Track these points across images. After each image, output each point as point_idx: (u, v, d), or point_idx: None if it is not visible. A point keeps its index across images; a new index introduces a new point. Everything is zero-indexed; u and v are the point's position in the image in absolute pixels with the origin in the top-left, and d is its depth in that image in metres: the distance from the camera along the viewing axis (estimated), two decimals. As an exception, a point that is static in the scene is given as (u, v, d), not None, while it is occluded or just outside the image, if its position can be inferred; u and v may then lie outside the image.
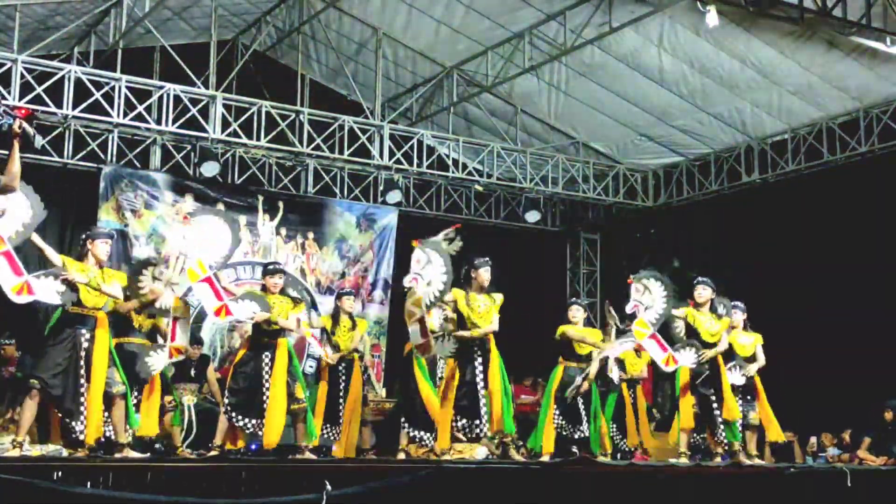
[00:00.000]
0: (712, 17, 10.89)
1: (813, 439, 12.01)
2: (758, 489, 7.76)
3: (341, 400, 9.22)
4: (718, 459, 8.80)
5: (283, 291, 8.37)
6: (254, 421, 7.91)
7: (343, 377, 9.27)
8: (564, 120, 14.89)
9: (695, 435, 9.20)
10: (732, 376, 8.86)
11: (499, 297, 8.30)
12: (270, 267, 8.60)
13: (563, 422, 9.20)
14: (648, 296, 8.63)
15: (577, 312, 9.55)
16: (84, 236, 7.32)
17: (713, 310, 8.90)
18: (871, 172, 12.65)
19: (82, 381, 6.89)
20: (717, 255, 14.22)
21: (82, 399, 6.89)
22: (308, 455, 8.04)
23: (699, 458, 9.21)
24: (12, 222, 6.47)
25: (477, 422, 7.98)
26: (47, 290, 6.58)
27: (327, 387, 9.18)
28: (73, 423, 6.87)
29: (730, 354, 8.96)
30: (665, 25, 11.99)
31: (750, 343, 9.20)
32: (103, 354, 7.04)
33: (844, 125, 12.97)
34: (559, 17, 12.30)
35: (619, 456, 10.03)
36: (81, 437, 6.92)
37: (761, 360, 9.19)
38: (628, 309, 8.77)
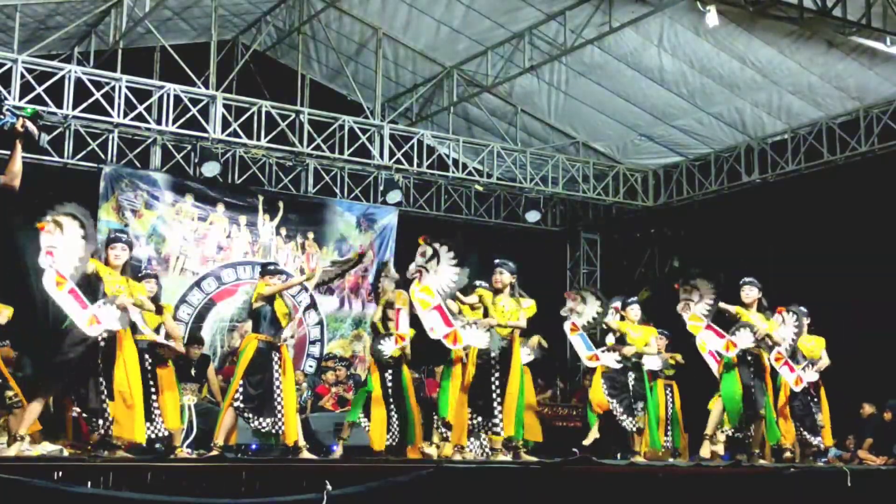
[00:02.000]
0: (712, 17, 10.90)
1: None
2: (758, 489, 7.76)
3: (393, 403, 9.18)
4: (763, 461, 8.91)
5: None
6: (268, 420, 7.91)
7: (391, 380, 9.20)
8: (564, 120, 14.89)
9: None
10: (806, 374, 9.15)
11: (527, 303, 8.50)
12: (271, 267, 8.58)
13: (620, 410, 9.31)
14: (697, 292, 8.90)
15: (637, 311, 9.70)
16: (106, 240, 7.30)
17: (760, 309, 9.01)
18: (871, 172, 12.65)
19: (101, 379, 6.91)
20: (716, 254, 14.21)
21: (104, 398, 6.91)
22: (305, 455, 8.05)
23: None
24: (69, 259, 6.62)
25: (494, 420, 8.01)
26: (111, 318, 6.77)
27: (381, 389, 9.16)
28: (98, 421, 6.89)
29: (794, 355, 9.18)
30: (665, 25, 12.00)
31: (812, 346, 9.36)
32: (133, 353, 7.10)
33: (844, 125, 12.98)
34: (559, 17, 12.31)
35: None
36: (107, 436, 6.94)
37: (826, 361, 9.40)
38: (679, 309, 8.99)
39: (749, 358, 8.83)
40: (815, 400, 9.39)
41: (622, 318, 9.58)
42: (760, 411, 8.77)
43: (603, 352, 9.25)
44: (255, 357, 7.90)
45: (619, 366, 9.27)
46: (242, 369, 7.85)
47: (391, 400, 9.05)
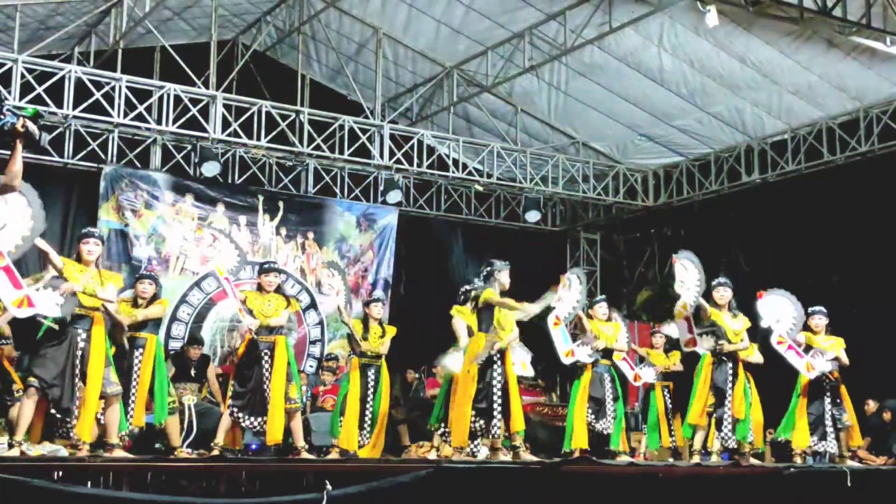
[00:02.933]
0: (712, 17, 10.89)
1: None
2: (758, 489, 7.76)
3: (370, 403, 9.13)
4: (715, 458, 8.87)
5: (278, 289, 8.37)
6: (259, 419, 7.94)
7: (373, 381, 9.20)
8: (564, 120, 14.89)
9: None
10: (817, 362, 9.14)
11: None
12: (266, 265, 8.60)
13: (592, 417, 9.45)
14: (688, 276, 8.95)
15: (604, 309, 9.78)
16: (79, 236, 7.33)
17: (731, 310, 9.03)
18: (871, 172, 12.65)
19: (77, 380, 6.92)
20: (716, 255, 14.21)
21: (76, 399, 6.92)
22: (305, 455, 8.05)
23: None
24: (12, 236, 6.45)
25: (494, 422, 8.03)
26: (47, 303, 6.59)
27: (359, 390, 9.11)
28: (70, 420, 6.91)
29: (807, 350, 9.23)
30: (665, 25, 11.99)
31: (829, 346, 9.32)
32: (100, 353, 7.05)
33: (844, 125, 12.97)
34: (559, 17, 12.30)
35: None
36: (73, 434, 6.96)
37: (844, 361, 9.33)
38: (676, 288, 9.08)
39: (729, 362, 8.89)
40: (839, 401, 9.39)
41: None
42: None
43: (578, 346, 9.29)
44: (246, 352, 7.95)
45: (590, 359, 9.38)
46: (236, 367, 7.93)
47: (369, 399, 9.07)
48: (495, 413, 8.04)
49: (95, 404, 7.05)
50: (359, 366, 9.16)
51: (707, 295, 9.08)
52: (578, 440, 9.35)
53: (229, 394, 7.97)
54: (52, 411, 6.98)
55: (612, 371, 9.71)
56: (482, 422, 8.09)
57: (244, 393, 7.94)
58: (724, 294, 9.03)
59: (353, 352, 9.44)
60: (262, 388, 7.95)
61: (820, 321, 9.39)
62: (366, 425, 9.07)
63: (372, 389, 9.12)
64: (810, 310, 9.43)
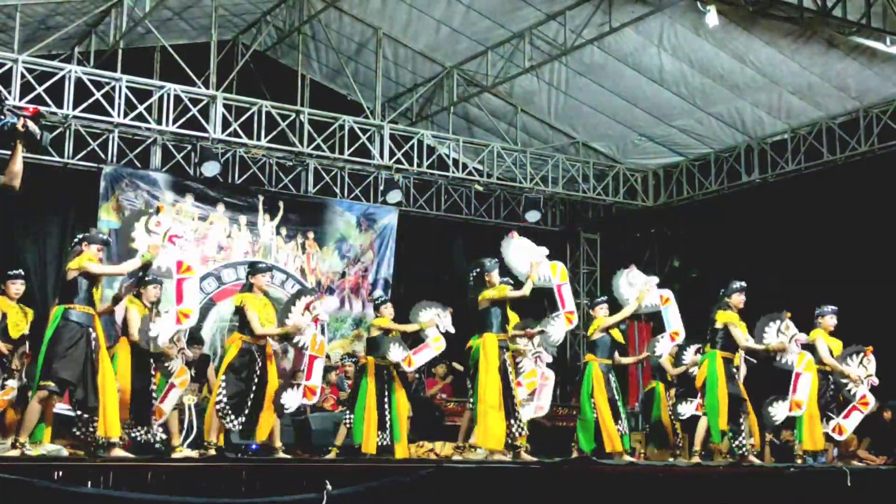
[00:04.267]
0: (712, 17, 10.91)
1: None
2: (758, 489, 7.76)
3: (387, 403, 9.16)
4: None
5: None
6: (240, 419, 7.90)
7: (387, 382, 9.22)
8: (564, 120, 14.89)
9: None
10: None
11: None
12: (262, 265, 8.49)
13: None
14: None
15: (605, 311, 9.75)
16: (80, 237, 7.29)
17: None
18: (871, 172, 12.65)
19: (98, 379, 6.95)
20: (716, 254, 14.23)
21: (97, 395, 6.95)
22: (282, 455, 8.02)
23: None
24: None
25: (516, 422, 8.03)
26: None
27: (375, 393, 9.10)
28: (96, 419, 6.93)
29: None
30: (665, 25, 12.00)
31: (834, 348, 9.42)
32: (106, 353, 7.10)
33: (844, 125, 12.98)
34: (559, 17, 12.32)
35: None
36: (96, 435, 6.97)
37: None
38: None
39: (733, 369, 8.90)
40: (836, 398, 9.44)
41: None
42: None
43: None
44: (238, 357, 7.85)
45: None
46: (223, 370, 7.83)
47: (386, 400, 9.06)
48: (517, 413, 8.05)
49: (116, 401, 7.12)
50: (375, 367, 9.17)
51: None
52: (615, 444, 9.20)
53: (220, 396, 7.84)
54: (78, 412, 6.99)
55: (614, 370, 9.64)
56: (510, 420, 8.08)
57: (235, 395, 7.84)
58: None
59: (365, 354, 9.43)
60: (262, 391, 7.90)
61: (832, 321, 9.38)
62: (386, 426, 9.07)
63: (388, 389, 9.14)
64: (824, 309, 9.40)
